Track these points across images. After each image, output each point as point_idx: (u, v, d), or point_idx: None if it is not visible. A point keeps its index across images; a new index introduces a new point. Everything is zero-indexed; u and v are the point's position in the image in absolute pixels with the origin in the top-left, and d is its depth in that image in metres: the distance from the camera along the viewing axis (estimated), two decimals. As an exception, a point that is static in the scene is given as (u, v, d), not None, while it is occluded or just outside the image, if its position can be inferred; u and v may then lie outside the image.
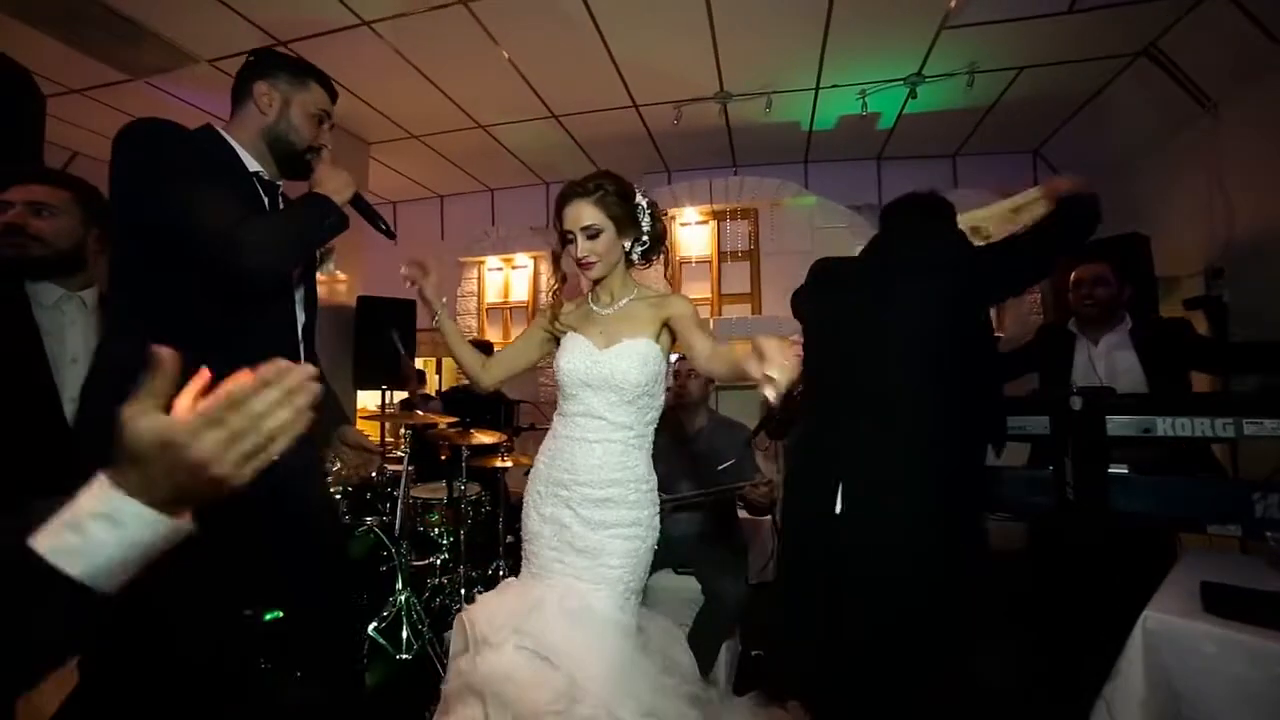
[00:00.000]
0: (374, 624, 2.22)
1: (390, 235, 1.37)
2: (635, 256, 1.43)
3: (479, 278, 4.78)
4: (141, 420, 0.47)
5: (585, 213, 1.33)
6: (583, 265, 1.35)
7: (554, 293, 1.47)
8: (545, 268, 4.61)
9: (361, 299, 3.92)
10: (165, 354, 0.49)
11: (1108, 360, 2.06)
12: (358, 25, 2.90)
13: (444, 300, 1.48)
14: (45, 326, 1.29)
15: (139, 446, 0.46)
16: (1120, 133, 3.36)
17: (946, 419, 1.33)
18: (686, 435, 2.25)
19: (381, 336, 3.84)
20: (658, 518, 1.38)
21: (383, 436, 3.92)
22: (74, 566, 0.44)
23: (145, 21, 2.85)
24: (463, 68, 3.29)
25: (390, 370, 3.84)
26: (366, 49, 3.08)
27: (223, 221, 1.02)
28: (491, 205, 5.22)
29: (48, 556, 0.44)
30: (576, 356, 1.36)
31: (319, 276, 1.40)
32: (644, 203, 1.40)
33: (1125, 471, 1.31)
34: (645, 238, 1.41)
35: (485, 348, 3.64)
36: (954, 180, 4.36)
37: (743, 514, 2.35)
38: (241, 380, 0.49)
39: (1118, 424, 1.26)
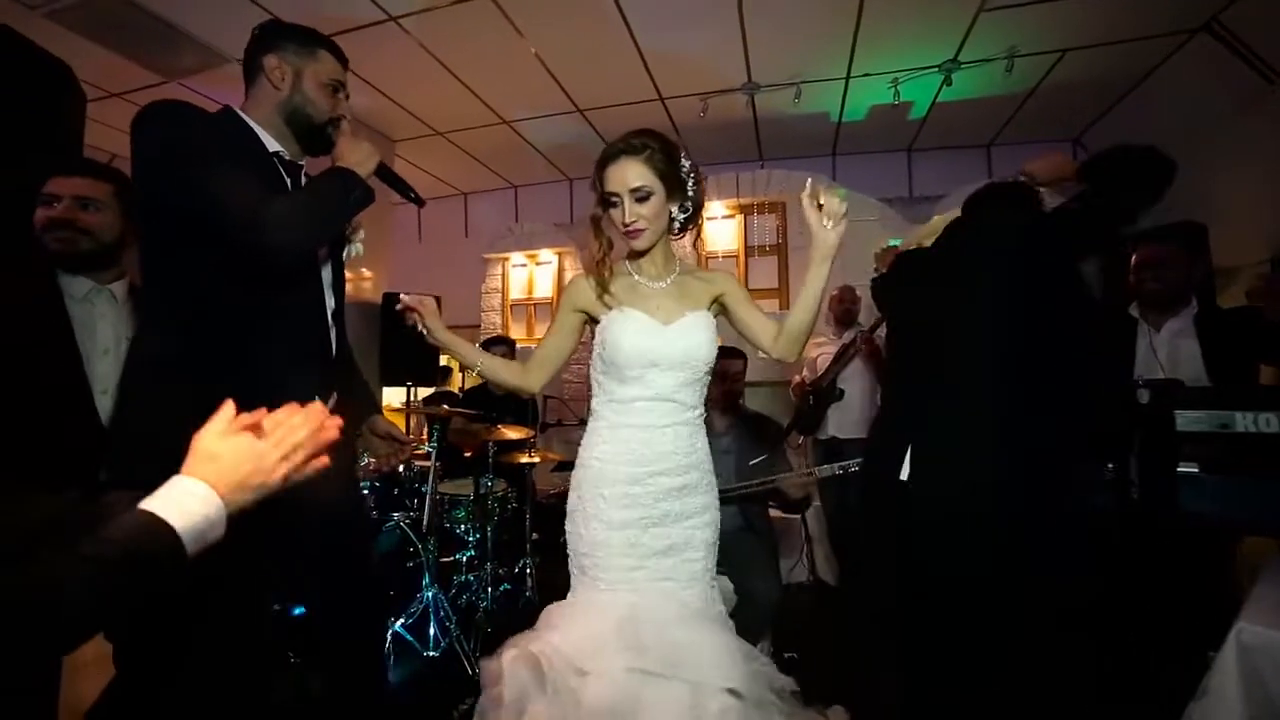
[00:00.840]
0: (401, 620, 2.22)
1: (419, 202, 1.34)
2: (676, 225, 1.31)
3: (503, 274, 4.79)
4: (220, 439, 0.67)
5: (633, 172, 1.19)
6: (630, 232, 1.22)
7: (599, 262, 1.28)
8: (570, 263, 4.59)
9: (387, 295, 3.95)
10: (227, 403, 0.70)
11: (1170, 348, 1.91)
12: (385, 21, 2.91)
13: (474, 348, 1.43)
14: (77, 319, 1.30)
15: (224, 446, 0.65)
16: (1172, 116, 3.19)
17: (1030, 404, 1.31)
18: (715, 431, 2.20)
19: (407, 333, 3.88)
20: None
21: (408, 432, 3.94)
22: (177, 521, 0.58)
23: (179, 23, 2.91)
24: (488, 63, 3.28)
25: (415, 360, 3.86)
26: (393, 45, 3.09)
27: (244, 201, 0.99)
28: (515, 202, 5.22)
29: (157, 511, 0.58)
30: (640, 334, 1.22)
31: (347, 262, 1.35)
32: (688, 165, 1.29)
33: (1196, 470, 1.22)
34: (689, 204, 1.29)
35: (508, 343, 3.63)
36: (988, 171, 4.21)
37: (774, 513, 2.30)
38: (282, 413, 0.71)
39: (1189, 419, 1.17)
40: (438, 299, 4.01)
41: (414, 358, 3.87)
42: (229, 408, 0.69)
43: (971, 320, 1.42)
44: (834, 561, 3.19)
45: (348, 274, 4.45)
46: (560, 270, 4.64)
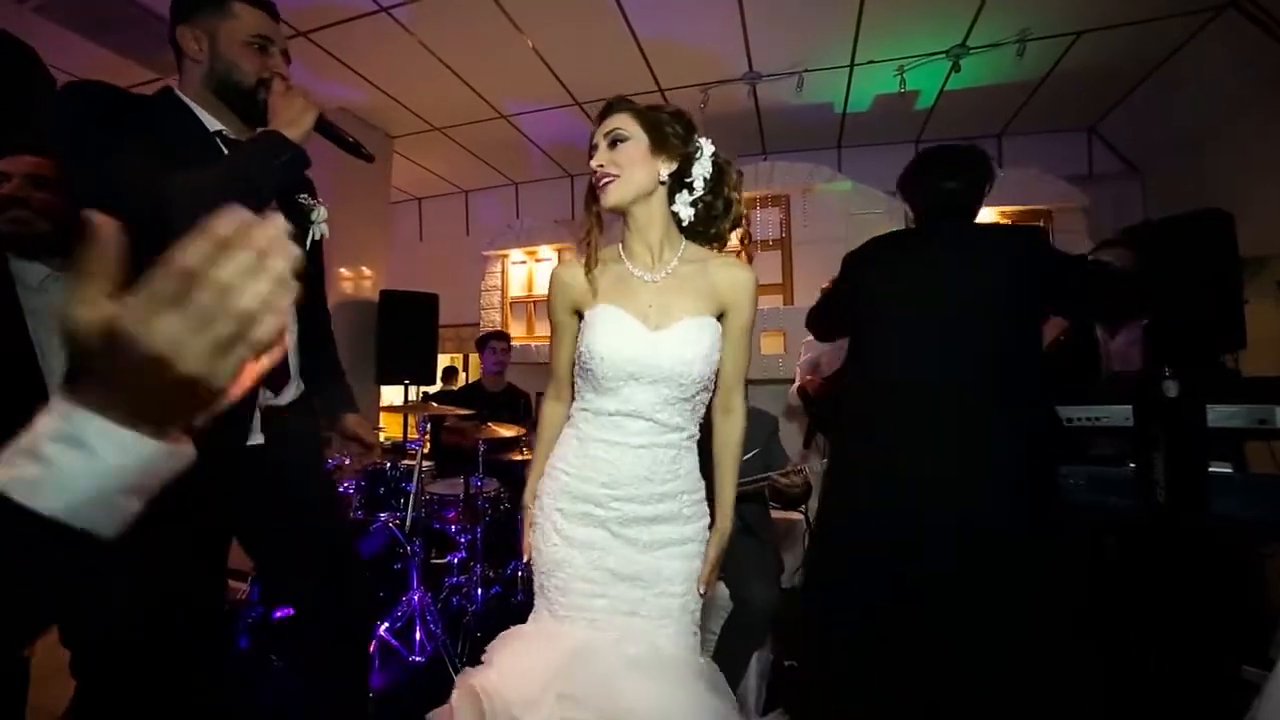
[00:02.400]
0: (386, 625, 2.15)
1: (368, 158, 1.24)
2: (684, 213, 1.10)
3: (503, 271, 4.72)
4: (84, 311, 0.35)
5: (615, 119, 1.05)
6: (596, 181, 1.04)
7: (586, 239, 1.10)
8: (570, 259, 4.52)
9: (384, 293, 3.89)
10: (102, 221, 0.37)
11: (1123, 357, 1.89)
12: (377, 12, 2.85)
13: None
14: (30, 308, 1.23)
15: (87, 346, 0.35)
16: (1197, 99, 3.05)
17: (1031, 386, 1.24)
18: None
19: (405, 331, 3.83)
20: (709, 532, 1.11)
21: (405, 431, 3.88)
22: (40, 500, 0.34)
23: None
24: (484, 55, 3.22)
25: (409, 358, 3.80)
26: (387, 39, 3.04)
27: (140, 180, 0.90)
28: (516, 199, 5.16)
29: (4, 490, 0.34)
30: (619, 338, 1.03)
31: (312, 244, 1.26)
32: (704, 142, 1.09)
33: (1229, 470, 1.11)
34: (697, 184, 1.08)
35: (504, 338, 3.56)
36: (1000, 162, 4.08)
37: (775, 512, 2.20)
38: (195, 243, 0.35)
39: (1223, 414, 1.06)
40: (436, 296, 4.00)
41: (411, 356, 3.82)
42: (99, 253, 0.37)
43: (973, 295, 1.30)
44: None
45: (346, 271, 4.38)
46: (560, 267, 4.57)
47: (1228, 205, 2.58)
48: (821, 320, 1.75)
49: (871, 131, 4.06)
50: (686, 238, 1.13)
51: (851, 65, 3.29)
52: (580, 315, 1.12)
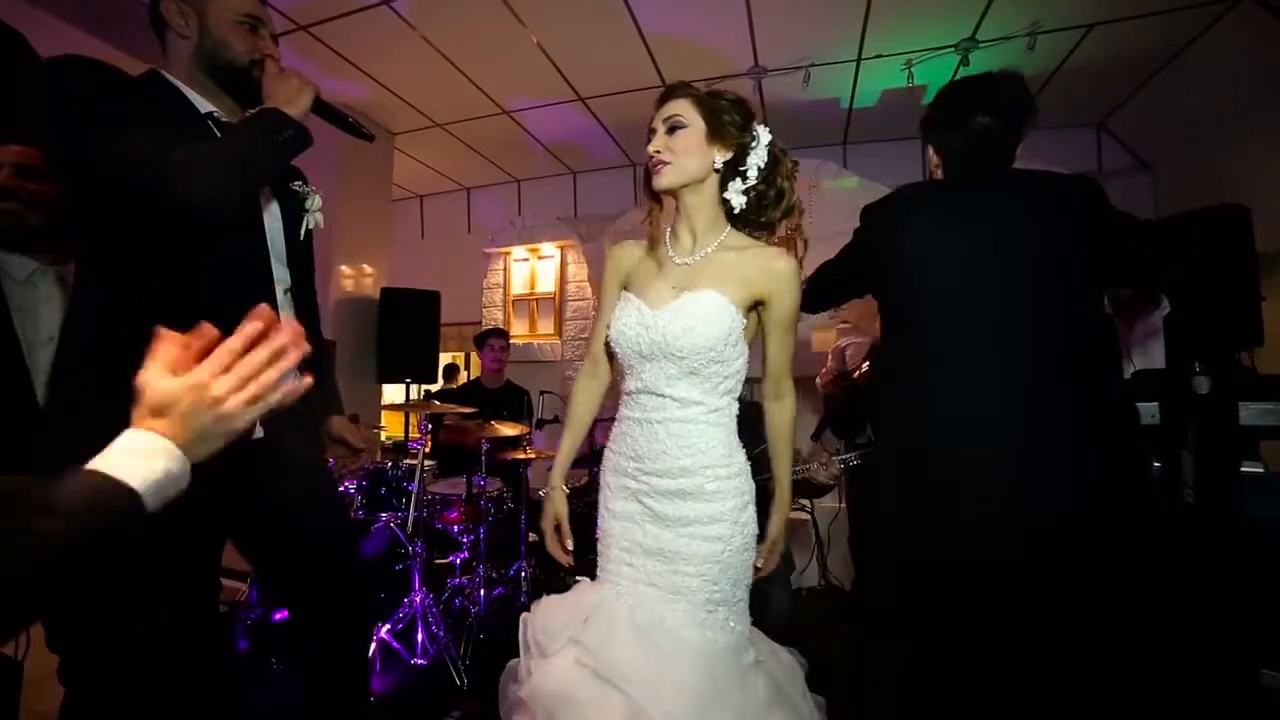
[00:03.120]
0: (387, 627, 2.11)
1: (368, 137, 1.22)
2: (736, 200, 1.11)
3: (505, 269, 4.69)
4: (162, 380, 0.56)
5: (677, 108, 1.08)
6: (652, 166, 1.08)
7: (649, 219, 1.15)
8: (573, 256, 4.48)
9: (385, 291, 3.86)
10: (164, 333, 0.59)
11: (1144, 349, 1.85)
12: (377, 5, 2.81)
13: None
14: (17, 303, 1.19)
15: (171, 396, 0.55)
16: (1209, 93, 3.00)
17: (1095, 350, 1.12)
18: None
19: (406, 329, 3.80)
20: (750, 510, 1.11)
21: (406, 430, 3.85)
22: (129, 479, 0.51)
23: (168, 9, 2.84)
24: (485, 49, 3.18)
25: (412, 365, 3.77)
26: (390, 35, 3.00)
27: (143, 154, 0.86)
28: (518, 196, 5.13)
29: (109, 470, 0.51)
30: (627, 321, 1.11)
31: (307, 232, 1.22)
32: (761, 130, 1.11)
33: (1261, 470, 1.07)
34: (750, 173, 1.10)
35: (503, 335, 3.53)
36: (1008, 159, 4.04)
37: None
38: (235, 339, 0.59)
39: (1257, 412, 1.02)
40: (438, 294, 3.97)
41: (412, 354, 3.79)
42: (167, 341, 0.58)
43: (1028, 256, 1.13)
44: (850, 564, 3.03)
45: (347, 268, 4.35)
46: (562, 264, 4.53)
47: (1246, 200, 2.54)
48: (830, 282, 1.45)
49: (879, 127, 4.01)
50: (735, 225, 1.15)
51: (858, 60, 3.25)
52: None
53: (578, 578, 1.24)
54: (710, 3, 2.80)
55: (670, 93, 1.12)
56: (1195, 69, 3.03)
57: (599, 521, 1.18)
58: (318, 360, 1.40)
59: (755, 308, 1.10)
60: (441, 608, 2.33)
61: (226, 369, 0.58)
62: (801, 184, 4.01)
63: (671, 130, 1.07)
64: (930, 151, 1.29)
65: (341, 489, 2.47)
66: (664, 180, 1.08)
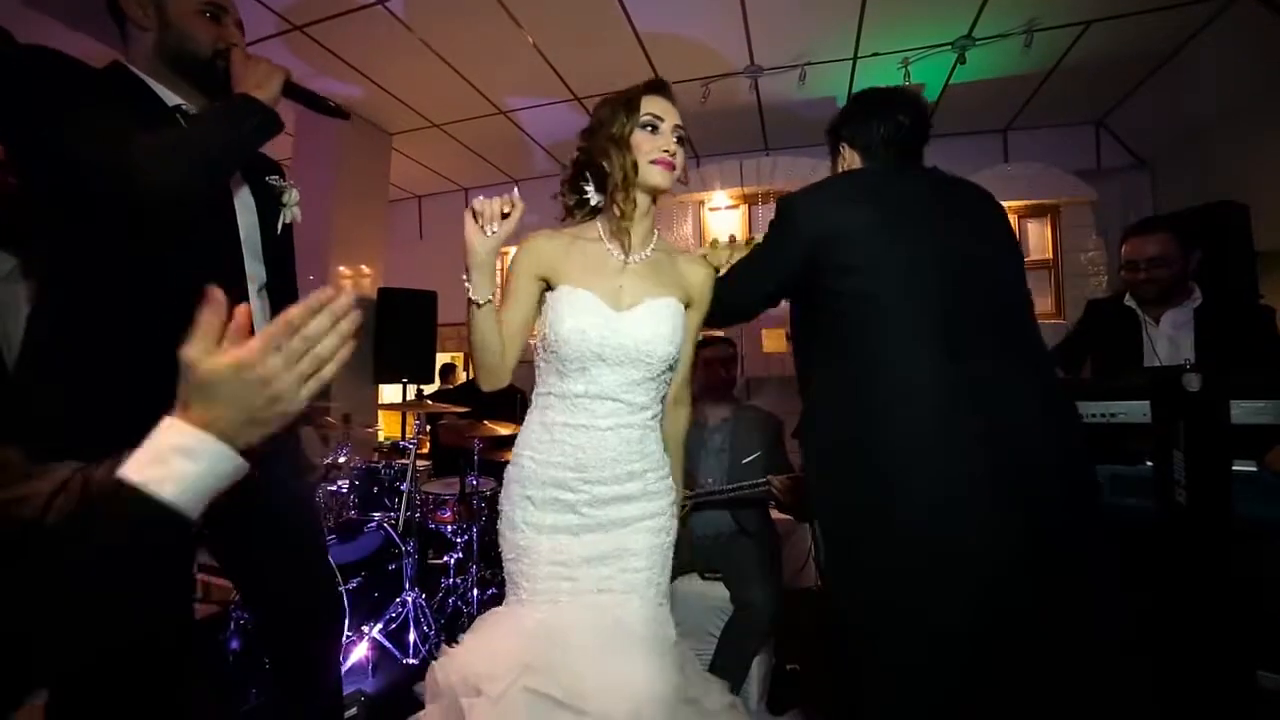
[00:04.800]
0: (380, 626, 2.11)
1: (343, 115, 1.18)
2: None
3: (502, 268, 4.68)
4: (208, 358, 0.51)
5: (675, 112, 1.11)
6: (664, 162, 1.06)
7: (624, 186, 1.07)
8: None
9: (383, 291, 3.86)
10: (216, 293, 0.53)
11: (1169, 342, 1.78)
12: (372, 5, 2.81)
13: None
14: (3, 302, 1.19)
15: (215, 377, 0.51)
16: (1207, 91, 2.98)
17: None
18: (708, 427, 2.06)
19: (403, 329, 3.79)
20: (675, 507, 1.14)
21: (403, 430, 3.85)
22: (165, 492, 0.48)
23: (164, 10, 2.84)
24: (483, 50, 3.17)
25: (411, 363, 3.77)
26: (386, 35, 3.00)
27: (110, 145, 0.84)
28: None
29: (142, 486, 0.47)
30: (586, 318, 1.03)
31: (284, 226, 1.19)
32: None
33: (1254, 469, 1.06)
34: None
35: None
36: (1005, 157, 4.03)
37: (777, 513, 2.15)
38: (296, 308, 0.54)
39: (1248, 410, 1.01)
40: (435, 294, 3.96)
41: (410, 354, 3.78)
42: (211, 315, 0.53)
43: (990, 257, 1.11)
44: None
45: (344, 269, 4.33)
46: (560, 265, 4.52)
47: (1239, 199, 2.53)
48: (756, 285, 1.23)
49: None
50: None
51: (855, 58, 3.24)
52: (545, 284, 1.11)
53: (492, 610, 1.11)
54: (705, 2, 2.79)
55: (666, 91, 1.13)
56: (1192, 67, 3.01)
57: (513, 539, 1.07)
58: None
59: (687, 297, 1.15)
60: (434, 607, 2.32)
61: (278, 347, 0.52)
62: (797, 182, 4.03)
63: (679, 140, 1.10)
64: (843, 150, 1.26)
65: (333, 488, 2.46)
66: (669, 181, 1.08)
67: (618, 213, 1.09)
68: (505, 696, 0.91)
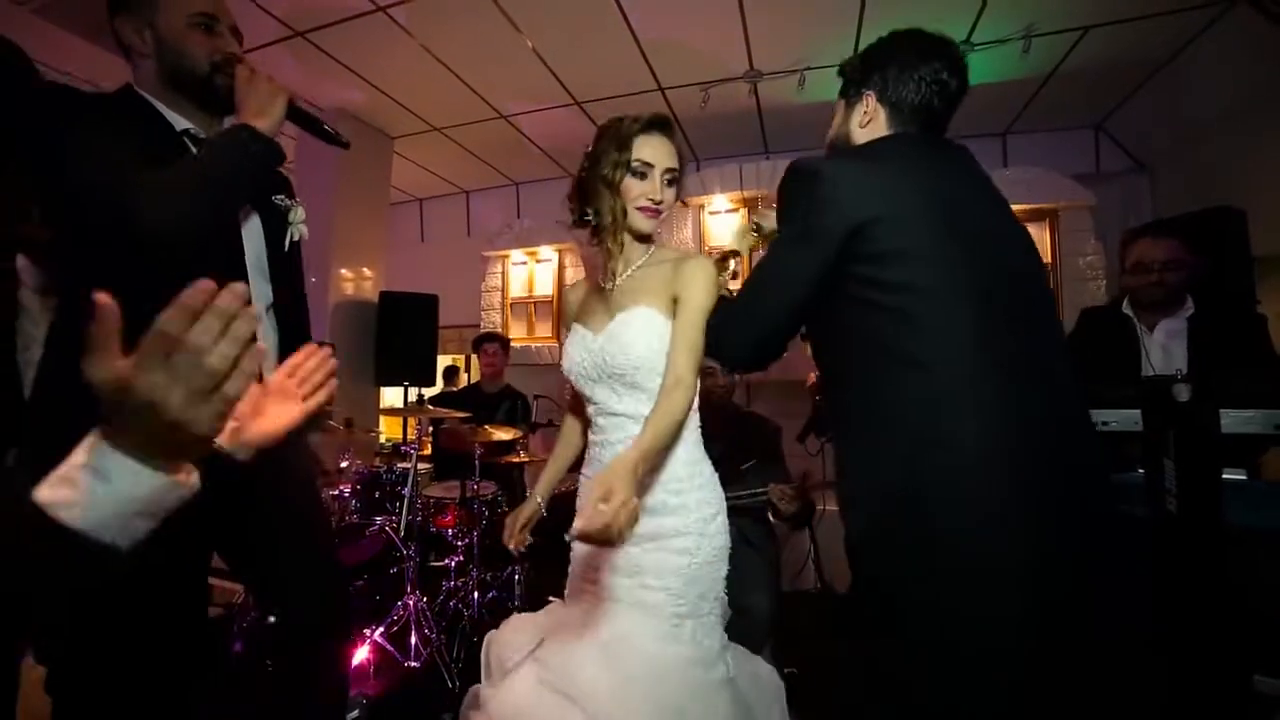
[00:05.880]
0: (381, 629, 2.13)
1: (343, 144, 1.17)
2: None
3: (503, 272, 4.70)
4: (97, 369, 0.45)
5: (668, 151, 1.11)
6: (651, 210, 1.10)
7: (613, 230, 1.10)
8: (571, 260, 4.48)
9: (384, 294, 3.88)
10: (105, 302, 0.45)
11: (1164, 351, 1.78)
12: (373, 11, 2.83)
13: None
14: (28, 308, 1.20)
15: (105, 395, 0.45)
16: (1205, 96, 2.99)
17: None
18: (705, 433, 2.07)
19: (404, 332, 3.81)
20: (719, 522, 1.10)
21: (404, 433, 3.87)
22: (70, 516, 0.44)
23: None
24: (483, 55, 3.19)
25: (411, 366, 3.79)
26: (387, 40, 3.02)
27: (115, 183, 0.84)
28: (517, 199, 5.15)
29: (46, 508, 0.44)
30: (574, 348, 1.17)
31: (292, 244, 1.18)
32: None
33: (1244, 477, 1.07)
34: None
35: (501, 340, 3.54)
36: (1004, 162, 4.03)
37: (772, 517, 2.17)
38: (168, 314, 0.45)
39: (1238, 419, 1.02)
40: (436, 297, 3.99)
41: (411, 357, 3.81)
42: (99, 326, 0.45)
43: (1025, 250, 0.99)
44: (845, 565, 3.02)
45: (346, 271, 4.35)
46: (560, 267, 4.54)
47: (1239, 203, 2.54)
48: (779, 298, 0.98)
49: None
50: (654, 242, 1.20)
51: (854, 63, 3.25)
52: None
53: (550, 598, 1.25)
54: (704, 7, 2.81)
55: (668, 131, 1.12)
56: (1191, 71, 3.02)
57: (575, 545, 1.17)
58: None
59: (676, 302, 1.12)
60: (435, 610, 2.34)
61: (157, 361, 0.45)
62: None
63: (670, 184, 1.12)
64: (865, 100, 1.04)
65: (335, 492, 2.48)
66: (653, 227, 1.13)
67: (608, 250, 1.14)
68: (516, 678, 1.04)
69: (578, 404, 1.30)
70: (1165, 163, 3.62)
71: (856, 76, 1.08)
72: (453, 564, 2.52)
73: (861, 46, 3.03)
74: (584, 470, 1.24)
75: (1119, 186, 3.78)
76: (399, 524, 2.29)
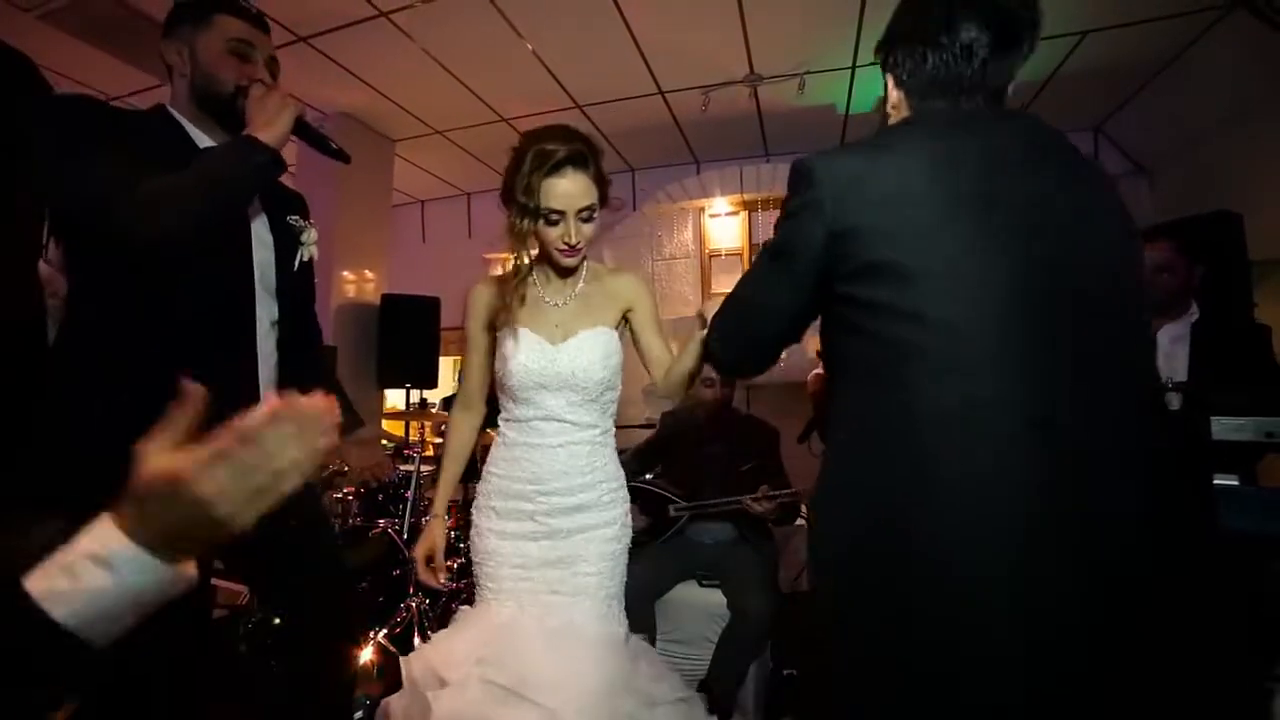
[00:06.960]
0: (384, 631, 2.14)
1: (345, 159, 1.19)
2: None
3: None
4: (153, 458, 0.44)
5: (580, 187, 1.09)
6: (568, 253, 1.13)
7: (517, 281, 1.17)
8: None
9: (386, 297, 3.90)
10: (191, 389, 0.46)
11: (1166, 357, 1.76)
12: (376, 17, 2.85)
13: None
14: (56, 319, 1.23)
15: (146, 482, 0.43)
16: (1204, 100, 3.00)
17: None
18: (705, 436, 2.09)
19: (406, 334, 3.83)
20: (629, 516, 1.25)
21: (406, 435, 3.89)
22: (60, 611, 0.40)
23: (171, 22, 2.88)
24: (484, 59, 3.21)
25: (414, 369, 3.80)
26: (389, 45, 3.04)
27: (104, 189, 0.86)
28: (517, 202, 5.16)
29: (36, 598, 0.40)
30: (529, 355, 1.17)
31: (302, 264, 1.21)
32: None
33: (1235, 484, 1.08)
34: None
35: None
36: (1006, 163, 4.04)
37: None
38: (255, 414, 0.45)
39: (1228, 426, 1.04)
40: (438, 300, 4.00)
41: (413, 360, 3.83)
42: (180, 412, 0.46)
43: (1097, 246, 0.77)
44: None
45: (347, 274, 4.37)
46: (562, 270, 4.56)
47: (1237, 207, 2.55)
48: (755, 314, 0.90)
49: (875, 133, 4.03)
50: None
51: (853, 66, 3.26)
52: (494, 332, 1.24)
53: (462, 607, 1.27)
54: (704, 11, 2.82)
55: (566, 166, 1.08)
56: (1189, 74, 3.03)
57: (481, 545, 1.22)
58: (318, 379, 1.44)
59: (624, 318, 1.25)
60: (438, 612, 2.36)
61: (226, 458, 0.44)
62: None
63: (586, 220, 1.13)
64: (887, 83, 0.89)
65: (339, 495, 2.50)
66: (576, 260, 1.17)
67: (542, 277, 1.23)
68: (464, 684, 1.03)
69: (476, 401, 1.33)
70: (1165, 166, 3.63)
71: (880, 60, 0.92)
72: (455, 566, 2.53)
73: (862, 49, 3.09)
74: (491, 468, 1.24)
75: (1119, 188, 3.78)
76: (402, 527, 2.30)
